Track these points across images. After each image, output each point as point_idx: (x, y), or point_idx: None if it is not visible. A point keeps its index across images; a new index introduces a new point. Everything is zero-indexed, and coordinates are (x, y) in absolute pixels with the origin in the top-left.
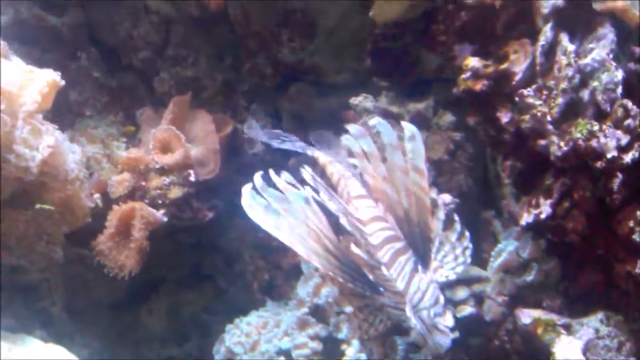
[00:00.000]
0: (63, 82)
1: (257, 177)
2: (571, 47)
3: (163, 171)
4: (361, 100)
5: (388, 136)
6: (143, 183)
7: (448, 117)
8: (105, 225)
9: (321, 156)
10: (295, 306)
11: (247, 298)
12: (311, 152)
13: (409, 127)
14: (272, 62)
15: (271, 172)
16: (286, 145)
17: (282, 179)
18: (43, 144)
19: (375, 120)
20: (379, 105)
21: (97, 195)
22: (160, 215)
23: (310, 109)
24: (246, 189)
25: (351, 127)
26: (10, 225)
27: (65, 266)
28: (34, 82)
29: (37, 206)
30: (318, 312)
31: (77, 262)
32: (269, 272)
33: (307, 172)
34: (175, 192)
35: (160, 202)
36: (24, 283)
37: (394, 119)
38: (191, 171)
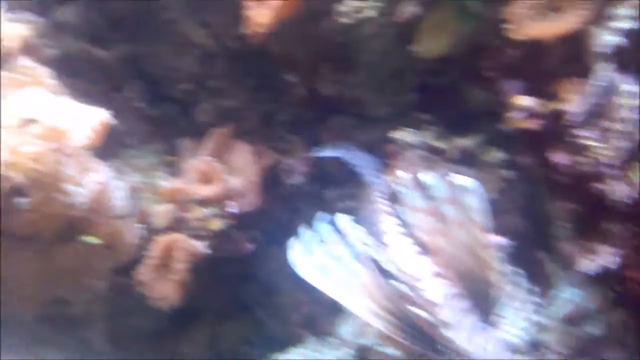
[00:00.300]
0: (113, 121)
1: (306, 231)
2: (630, 88)
3: (203, 202)
4: (403, 135)
5: (441, 190)
6: (184, 214)
7: (497, 154)
8: (146, 255)
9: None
10: (338, 345)
11: (286, 331)
12: (374, 182)
13: (466, 181)
14: (312, 94)
15: (321, 223)
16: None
17: (330, 229)
18: (91, 181)
19: (428, 177)
20: (422, 140)
21: (139, 226)
22: (201, 246)
23: (351, 142)
24: (295, 244)
25: (400, 175)
26: (56, 260)
27: (108, 295)
28: (85, 120)
29: (83, 238)
30: (362, 353)
31: (119, 291)
32: (309, 305)
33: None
34: (216, 224)
35: (201, 233)
36: (67, 314)
37: (439, 155)
38: (231, 203)
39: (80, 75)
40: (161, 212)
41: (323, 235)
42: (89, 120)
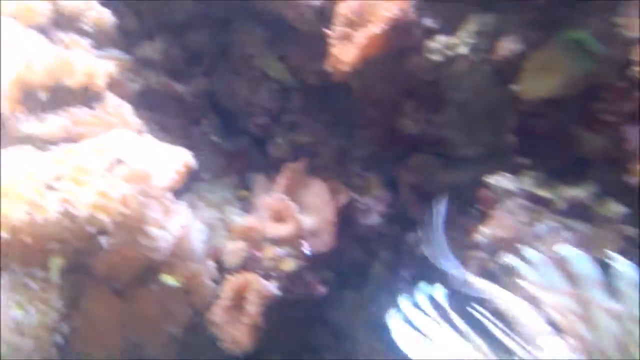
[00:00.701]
0: (196, 164)
1: (404, 302)
2: None
3: (276, 242)
4: (500, 180)
5: (583, 267)
6: (257, 253)
7: (617, 208)
8: (219, 295)
9: (481, 282)
10: None
11: None
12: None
13: (621, 262)
14: (392, 131)
15: (421, 293)
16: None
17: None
18: (174, 225)
19: (565, 249)
20: (522, 187)
21: (212, 264)
22: (273, 288)
23: (433, 183)
24: (394, 316)
25: (528, 253)
26: (134, 303)
27: (182, 337)
28: (169, 162)
29: (162, 278)
30: None
31: (193, 332)
32: (385, 355)
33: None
34: (289, 265)
35: (273, 274)
36: (140, 355)
37: (543, 205)
38: (305, 243)
39: (159, 109)
40: (234, 250)
41: (423, 307)
42: (173, 161)
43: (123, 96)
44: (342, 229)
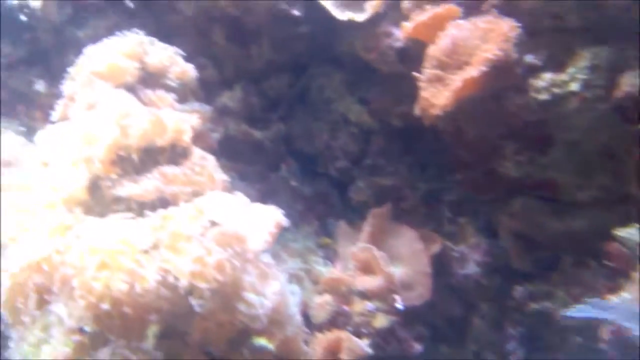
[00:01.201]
0: (288, 223)
1: None
2: None
3: (366, 295)
4: (632, 233)
5: None
6: (345, 307)
7: None
8: (311, 356)
9: None
10: None
11: None
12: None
13: None
14: (489, 174)
15: None
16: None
17: None
18: (271, 290)
19: None
20: None
21: (299, 318)
22: (365, 346)
23: (541, 230)
24: None
25: None
26: None
27: None
28: (260, 223)
29: (255, 341)
30: None
31: None
32: None
33: None
34: (381, 321)
35: (364, 330)
36: None
37: None
38: (397, 297)
39: (238, 156)
40: (321, 304)
41: None
42: (265, 222)
43: (205, 147)
44: (436, 279)
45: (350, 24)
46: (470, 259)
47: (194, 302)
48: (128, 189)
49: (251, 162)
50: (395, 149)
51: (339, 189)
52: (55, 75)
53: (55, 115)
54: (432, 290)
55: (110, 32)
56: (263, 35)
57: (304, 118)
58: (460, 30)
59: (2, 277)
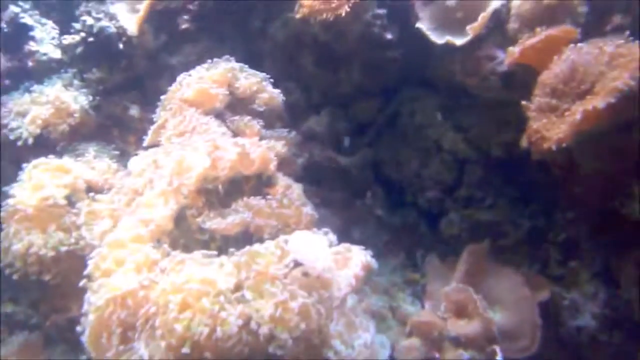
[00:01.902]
0: (376, 265)
1: None
2: None
3: (460, 342)
4: None
5: None
6: (436, 354)
7: None
8: None
9: None
10: None
11: None
12: None
13: None
14: (609, 214)
15: None
16: None
17: None
18: (359, 342)
19: None
20: None
21: None
22: None
23: None
24: None
25: None
26: None
27: None
28: (348, 265)
29: None
30: None
31: None
32: None
33: None
34: None
35: None
36: None
37: None
38: (497, 347)
39: (323, 182)
40: (408, 348)
41: None
42: (352, 264)
43: (290, 173)
44: (543, 330)
45: (448, 47)
46: (585, 310)
47: (276, 349)
48: (214, 221)
49: (336, 188)
50: (494, 181)
51: (429, 221)
52: (149, 100)
53: (147, 140)
54: (538, 343)
55: (201, 57)
56: (353, 60)
57: (393, 144)
58: (580, 54)
59: (88, 311)
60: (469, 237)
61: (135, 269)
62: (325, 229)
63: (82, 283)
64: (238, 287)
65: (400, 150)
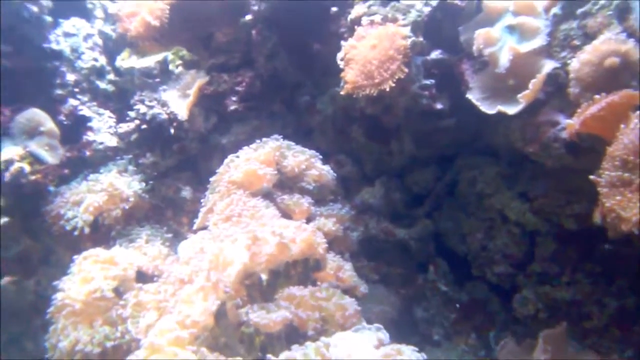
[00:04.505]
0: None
1: None
2: None
3: None
4: None
5: None
6: None
7: None
8: None
9: None
10: None
11: None
12: None
13: None
14: None
15: None
16: None
17: None
18: None
19: None
20: None
21: None
22: None
23: None
24: None
25: None
26: None
27: None
28: None
29: None
30: None
31: None
32: None
33: None
34: None
35: None
36: None
37: None
38: None
39: (380, 256)
40: None
41: None
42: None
43: (343, 250)
44: None
45: (503, 115)
46: None
47: None
48: (256, 315)
49: (394, 262)
50: (570, 254)
51: (500, 297)
52: (202, 180)
53: (196, 224)
54: None
55: (252, 136)
56: (403, 131)
57: (453, 214)
58: None
59: None
60: (546, 317)
61: None
62: (378, 325)
63: None
64: None
65: (462, 220)
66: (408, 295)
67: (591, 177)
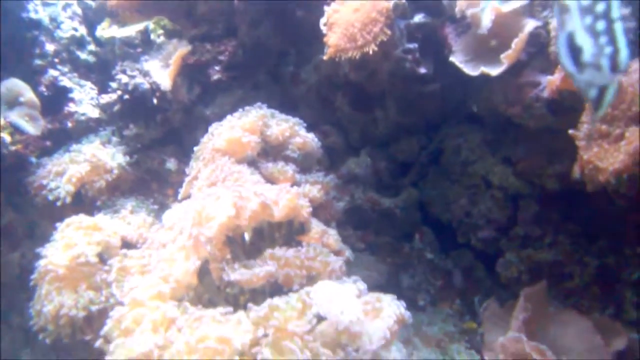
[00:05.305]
0: (410, 318)
1: None
2: None
3: None
4: None
5: None
6: None
7: None
8: None
9: None
10: None
11: None
12: None
13: None
14: None
15: None
16: None
17: None
18: None
19: None
20: None
21: None
22: None
23: None
24: None
25: None
26: None
27: None
28: (379, 317)
29: None
30: None
31: None
32: None
33: None
34: None
35: None
36: None
37: None
38: None
39: (366, 226)
40: None
41: None
42: (383, 316)
43: (329, 218)
44: None
45: (486, 77)
46: None
47: None
48: (237, 273)
49: (381, 232)
50: (552, 216)
51: (485, 262)
52: (187, 153)
53: (181, 193)
54: None
55: (236, 107)
56: (388, 98)
57: (438, 182)
58: (628, 74)
59: None
60: (529, 279)
61: (152, 328)
62: (355, 277)
63: (97, 344)
64: (256, 344)
65: (447, 189)
66: (394, 264)
67: (570, 131)
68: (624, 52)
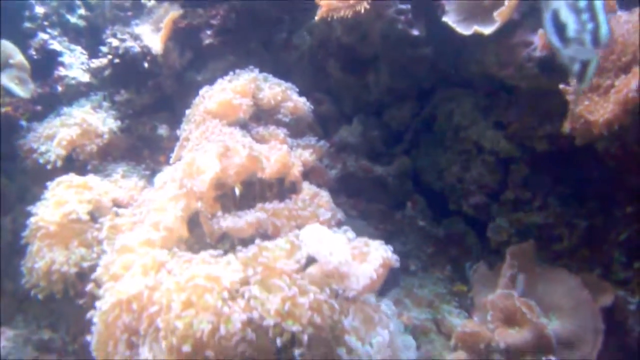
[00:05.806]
0: (397, 262)
1: None
2: None
3: (509, 353)
4: None
5: None
6: None
7: None
8: None
9: None
10: None
11: None
12: None
13: None
14: None
15: None
16: None
17: None
18: (377, 340)
19: None
20: None
21: None
22: None
23: None
24: None
25: None
26: None
27: None
28: (366, 260)
29: None
30: None
31: None
32: None
33: None
34: None
35: None
36: None
37: None
38: (552, 358)
39: (359, 194)
40: None
41: None
42: (371, 259)
43: (321, 183)
44: (606, 338)
45: (479, 38)
46: None
47: (286, 348)
48: (228, 221)
49: (373, 199)
50: (542, 179)
51: (476, 229)
52: (178, 119)
53: (173, 156)
54: (600, 351)
55: (227, 73)
56: (380, 62)
57: (431, 149)
58: (619, 24)
59: (94, 317)
60: (518, 242)
61: (142, 272)
62: (345, 227)
63: (88, 288)
64: (245, 282)
65: (439, 156)
66: (386, 231)
67: (561, 85)
68: (604, 28)
